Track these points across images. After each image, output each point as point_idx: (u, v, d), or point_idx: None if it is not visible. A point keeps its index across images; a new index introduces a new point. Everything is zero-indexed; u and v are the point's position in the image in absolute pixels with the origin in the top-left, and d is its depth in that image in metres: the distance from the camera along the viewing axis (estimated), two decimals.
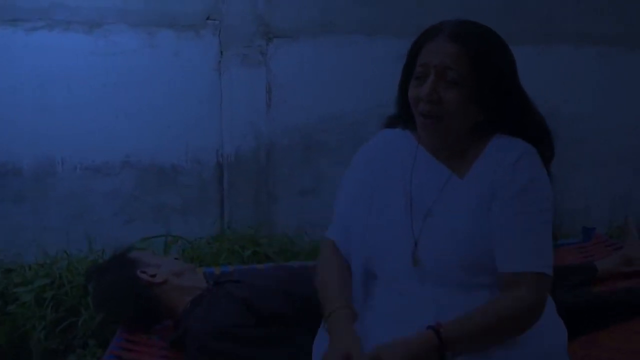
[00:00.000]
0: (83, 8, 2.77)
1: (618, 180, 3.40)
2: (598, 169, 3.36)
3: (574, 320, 1.38)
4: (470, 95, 1.14)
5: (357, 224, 1.26)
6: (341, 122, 3.06)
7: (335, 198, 1.33)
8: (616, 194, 3.41)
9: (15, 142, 2.76)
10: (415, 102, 1.18)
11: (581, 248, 2.35)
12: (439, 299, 1.17)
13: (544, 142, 1.21)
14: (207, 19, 2.90)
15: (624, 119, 3.37)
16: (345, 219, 1.29)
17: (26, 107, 2.75)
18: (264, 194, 2.99)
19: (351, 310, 1.18)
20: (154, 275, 1.65)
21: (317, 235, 2.94)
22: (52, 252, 2.61)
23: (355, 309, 1.20)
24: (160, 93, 2.90)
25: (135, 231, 2.90)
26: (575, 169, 3.25)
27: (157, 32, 2.88)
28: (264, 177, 2.98)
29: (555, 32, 3.23)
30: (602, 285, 1.99)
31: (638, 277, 2.01)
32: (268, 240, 2.71)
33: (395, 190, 1.24)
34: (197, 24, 2.90)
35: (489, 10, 2.90)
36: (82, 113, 2.82)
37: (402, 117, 1.30)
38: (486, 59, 1.14)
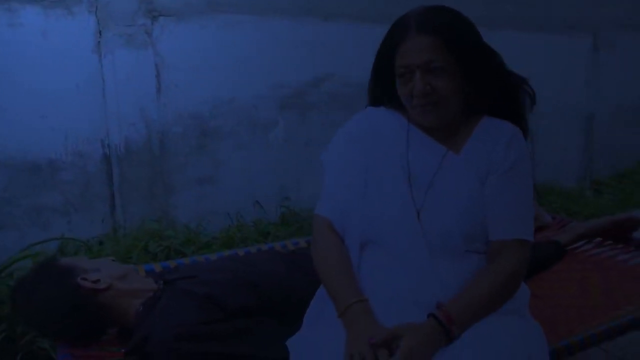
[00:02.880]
0: None
1: None
2: None
3: None
4: (456, 74, 1.21)
5: (352, 199, 1.25)
6: (235, 106, 2.95)
7: (324, 178, 1.30)
8: None
9: None
10: (408, 98, 1.23)
11: None
12: (439, 264, 1.21)
13: (524, 94, 1.32)
14: None
15: None
16: (337, 195, 1.28)
17: None
18: (159, 185, 2.79)
19: (367, 303, 1.18)
20: (96, 281, 1.46)
21: (220, 224, 2.83)
22: None
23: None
24: (28, 79, 2.54)
25: (9, 239, 2.54)
26: None
27: (19, 9, 2.51)
28: (158, 167, 2.77)
29: None
30: None
31: (538, 233, 2.26)
32: (174, 232, 2.53)
33: (392, 165, 1.26)
34: (68, 0, 2.58)
35: None
36: None
37: (382, 98, 1.34)
38: (458, 37, 1.21)
